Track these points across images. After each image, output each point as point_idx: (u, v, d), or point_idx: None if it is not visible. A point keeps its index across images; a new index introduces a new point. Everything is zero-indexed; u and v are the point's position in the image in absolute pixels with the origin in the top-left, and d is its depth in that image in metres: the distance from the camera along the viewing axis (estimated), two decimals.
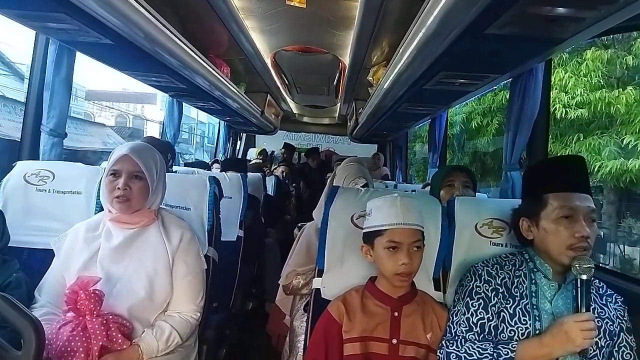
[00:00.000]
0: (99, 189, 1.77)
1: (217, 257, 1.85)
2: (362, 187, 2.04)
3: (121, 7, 1.75)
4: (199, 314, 1.58)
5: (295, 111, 6.81)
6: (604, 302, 1.31)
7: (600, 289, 1.33)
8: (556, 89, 7.76)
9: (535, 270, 1.33)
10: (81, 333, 1.32)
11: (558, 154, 7.50)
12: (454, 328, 1.32)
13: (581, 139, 7.99)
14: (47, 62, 2.29)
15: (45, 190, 1.83)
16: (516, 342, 1.24)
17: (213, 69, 3.07)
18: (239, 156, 6.74)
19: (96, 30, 1.93)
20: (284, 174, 5.29)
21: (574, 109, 7.78)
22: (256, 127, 5.97)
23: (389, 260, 1.31)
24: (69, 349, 1.30)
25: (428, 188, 2.39)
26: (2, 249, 1.54)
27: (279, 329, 2.24)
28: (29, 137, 2.32)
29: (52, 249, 1.57)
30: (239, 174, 2.62)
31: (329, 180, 2.43)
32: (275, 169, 5.61)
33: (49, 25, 1.94)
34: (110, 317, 1.39)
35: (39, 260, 1.63)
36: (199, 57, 2.69)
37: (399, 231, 1.31)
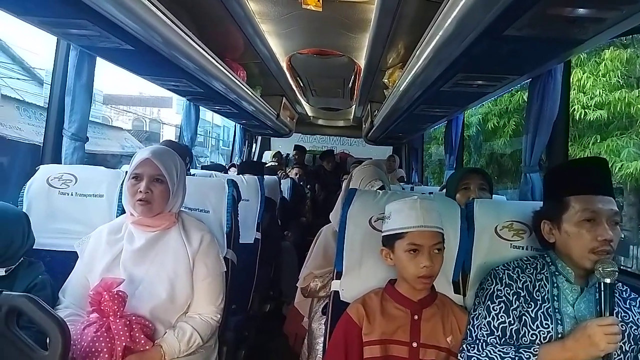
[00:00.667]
0: (120, 192, 1.80)
1: (235, 260, 1.86)
2: (379, 189, 2.04)
3: (141, 13, 1.78)
4: (219, 316, 1.60)
5: (310, 114, 6.83)
6: (628, 306, 1.29)
7: (624, 293, 1.31)
8: (574, 89, 7.64)
9: (557, 273, 1.31)
10: (105, 334, 1.35)
11: (577, 156, 7.39)
12: (474, 332, 1.31)
13: (599, 141, 7.86)
14: (68, 67, 2.33)
15: (68, 194, 1.86)
16: (538, 346, 1.22)
17: (229, 73, 3.10)
18: (255, 159, 6.78)
19: (117, 36, 1.96)
20: (298, 175, 5.30)
21: (593, 110, 7.66)
22: (271, 129, 6.00)
23: (410, 263, 1.31)
24: (93, 349, 1.33)
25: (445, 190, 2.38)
26: (27, 251, 1.57)
27: (296, 330, 2.25)
28: (51, 141, 2.37)
29: (74, 251, 1.60)
30: (256, 177, 2.63)
31: (344, 183, 2.44)
32: (289, 171, 5.63)
33: (70, 31, 1.98)
34: (133, 318, 1.41)
35: (62, 262, 1.66)
36: (215, 61, 2.73)
37: (420, 234, 1.31)
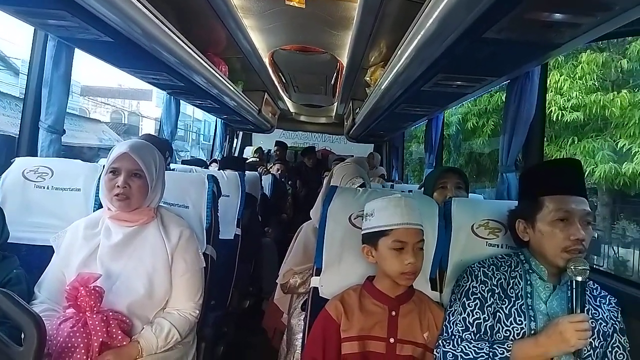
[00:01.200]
0: (97, 186, 1.78)
1: (215, 255, 1.86)
2: (359, 187, 2.05)
3: (121, 5, 1.75)
4: (197, 312, 1.59)
5: (292, 110, 6.81)
6: (598, 304, 1.33)
7: (595, 291, 1.36)
8: (552, 91, 7.80)
9: (530, 271, 1.35)
10: (82, 329, 1.33)
11: (553, 156, 7.55)
12: (450, 327, 1.34)
13: (576, 142, 8.04)
14: (45, 58, 2.28)
15: (44, 187, 1.83)
16: (511, 342, 1.26)
17: (211, 67, 3.07)
18: (236, 154, 6.74)
19: (96, 28, 1.92)
20: (280, 171, 5.30)
21: (570, 112, 7.83)
22: (253, 125, 5.97)
23: (395, 260, 1.33)
24: (69, 344, 1.31)
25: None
26: (2, 245, 1.54)
27: (275, 325, 2.26)
28: (27, 134, 2.31)
29: (50, 246, 1.57)
30: (236, 173, 2.62)
31: (325, 180, 2.45)
32: (271, 167, 5.62)
33: (49, 22, 1.93)
34: (110, 313, 1.40)
35: (38, 256, 1.64)
36: (197, 55, 2.69)
37: (405, 231, 1.33)
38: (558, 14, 1.40)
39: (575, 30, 1.51)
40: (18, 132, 2.35)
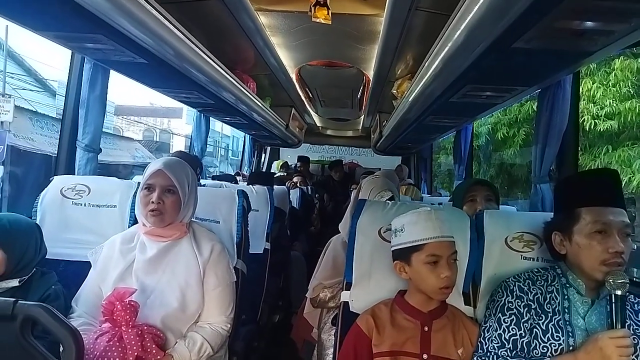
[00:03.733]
0: (132, 203, 1.83)
1: (245, 270, 1.87)
2: (388, 200, 2.04)
3: (154, 27, 1.82)
4: (229, 325, 1.61)
5: (319, 124, 6.87)
6: None
7: (636, 305, 1.30)
8: (584, 100, 7.59)
9: (567, 285, 1.31)
10: (117, 343, 1.36)
11: (587, 166, 7.32)
12: (485, 344, 1.30)
13: (610, 151, 7.78)
14: (82, 80, 2.37)
15: (81, 204, 1.89)
16: (549, 359, 1.22)
17: (240, 85, 3.14)
18: (264, 169, 6.82)
19: (131, 50, 2.00)
20: (299, 182, 5.29)
21: (603, 120, 7.59)
22: (281, 140, 6.04)
23: (431, 275, 1.31)
24: (105, 358, 1.34)
25: None
26: (40, 261, 1.59)
27: (304, 337, 2.25)
28: (65, 153, 2.40)
29: (87, 261, 1.62)
30: (265, 187, 2.65)
31: (353, 193, 2.44)
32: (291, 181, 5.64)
33: (86, 45, 2.01)
34: (145, 327, 1.42)
35: (75, 272, 1.68)
36: (226, 73, 2.76)
37: (439, 244, 1.31)
38: (589, 22, 1.37)
39: (608, 37, 1.48)
40: (56, 152, 2.44)
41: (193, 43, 2.17)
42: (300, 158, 6.66)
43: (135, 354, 1.36)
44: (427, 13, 2.25)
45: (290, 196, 3.89)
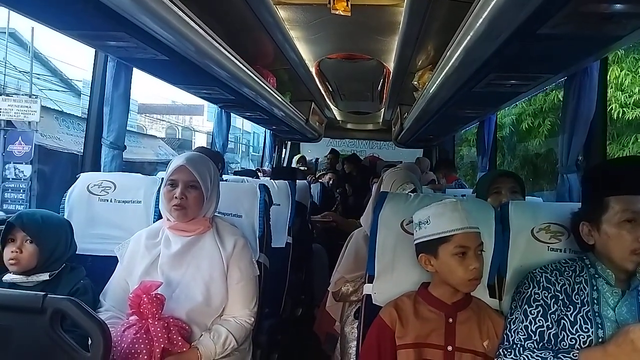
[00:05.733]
0: (157, 198, 1.85)
1: (268, 264, 1.89)
2: (411, 192, 2.02)
3: (176, 24, 1.84)
4: (253, 319, 1.62)
5: (339, 118, 6.84)
6: None
7: None
8: (611, 87, 7.35)
9: (596, 276, 1.27)
10: (144, 335, 1.38)
11: (615, 155, 7.10)
12: (511, 336, 1.28)
13: (639, 139, 7.54)
14: (106, 78, 2.41)
15: (107, 200, 1.92)
16: (577, 351, 1.19)
17: (260, 80, 3.15)
18: (284, 164, 6.83)
19: (153, 47, 2.02)
20: (331, 180, 5.27)
21: (632, 109, 7.35)
22: (301, 135, 6.05)
23: (459, 267, 1.29)
24: (132, 350, 1.37)
25: None
26: (70, 257, 1.63)
27: (326, 330, 2.25)
28: (90, 150, 2.45)
29: (114, 256, 1.65)
30: (286, 182, 2.65)
31: (375, 187, 2.43)
32: (320, 175, 5.63)
33: (109, 43, 2.05)
34: (171, 320, 1.45)
35: (102, 266, 1.71)
36: (246, 68, 2.78)
37: (466, 235, 1.30)
38: (618, 4, 1.32)
39: (638, 20, 1.42)
40: (82, 150, 2.49)
41: (213, 39, 2.19)
42: (332, 151, 6.62)
43: (162, 346, 1.38)
44: (448, 1, 2.21)
45: (312, 190, 3.89)
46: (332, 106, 5.92)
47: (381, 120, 6.54)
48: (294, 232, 2.57)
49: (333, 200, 5.11)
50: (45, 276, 1.54)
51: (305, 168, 6.03)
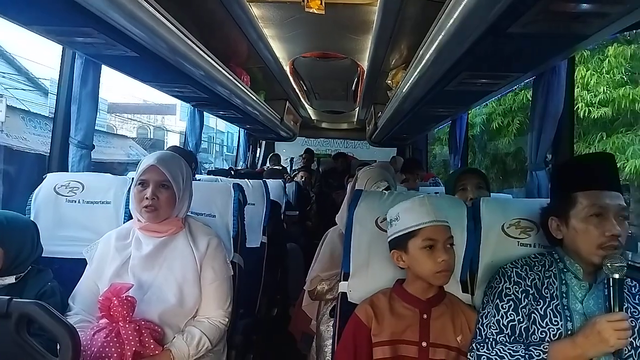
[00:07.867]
0: (127, 199, 1.81)
1: (242, 264, 1.87)
2: (385, 190, 2.03)
3: (146, 20, 1.79)
4: (227, 319, 1.60)
5: (313, 117, 6.85)
6: (638, 302, 1.27)
7: (633, 288, 1.30)
8: (578, 87, 7.58)
9: (565, 270, 1.30)
10: (115, 339, 1.35)
11: (582, 153, 7.33)
12: (484, 330, 1.30)
13: (605, 138, 7.80)
14: (73, 76, 2.34)
15: (75, 201, 1.87)
16: (548, 344, 1.22)
17: (234, 78, 3.12)
18: (259, 164, 6.79)
19: (122, 44, 1.97)
20: (304, 179, 5.29)
21: (597, 107, 7.60)
22: (276, 134, 6.02)
23: (428, 260, 1.31)
24: (103, 354, 1.33)
25: None
26: (37, 259, 1.58)
27: (302, 329, 2.25)
28: (57, 150, 2.37)
29: (82, 258, 1.61)
30: (260, 181, 2.63)
31: (349, 185, 2.43)
32: (295, 174, 5.63)
33: (76, 39, 1.98)
34: (143, 322, 1.42)
35: (71, 269, 1.66)
36: (220, 66, 2.74)
37: (434, 228, 1.31)
38: (585, 4, 1.36)
39: (603, 20, 1.47)
40: (48, 150, 2.42)
41: (185, 36, 2.14)
42: (307, 150, 6.64)
43: (133, 349, 1.35)
44: (420, 1, 2.23)
45: (287, 190, 3.88)
46: (306, 105, 5.91)
47: (355, 120, 6.58)
48: (269, 232, 2.55)
49: (308, 199, 5.11)
50: (11, 279, 1.49)
51: (280, 167, 6.01)
